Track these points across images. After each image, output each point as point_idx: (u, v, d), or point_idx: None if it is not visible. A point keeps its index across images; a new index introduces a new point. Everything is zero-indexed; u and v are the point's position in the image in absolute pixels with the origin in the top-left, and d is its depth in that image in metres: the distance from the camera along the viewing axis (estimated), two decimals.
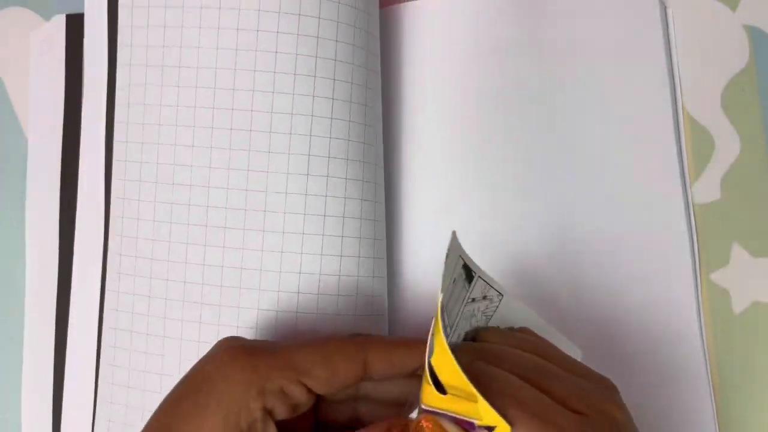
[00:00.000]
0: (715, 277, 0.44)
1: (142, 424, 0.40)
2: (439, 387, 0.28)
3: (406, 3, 0.47)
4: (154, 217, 0.41)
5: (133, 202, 0.41)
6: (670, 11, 0.46)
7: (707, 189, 0.45)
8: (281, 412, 0.31)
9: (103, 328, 0.42)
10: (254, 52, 0.40)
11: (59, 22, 0.45)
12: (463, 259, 0.32)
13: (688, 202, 0.44)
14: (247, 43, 0.40)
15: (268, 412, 0.31)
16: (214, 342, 0.39)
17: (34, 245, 0.45)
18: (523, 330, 0.36)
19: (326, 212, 0.40)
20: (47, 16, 0.46)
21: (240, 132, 0.40)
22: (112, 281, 0.42)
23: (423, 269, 0.44)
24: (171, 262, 0.40)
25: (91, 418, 0.42)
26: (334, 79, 0.40)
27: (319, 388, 0.31)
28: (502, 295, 0.35)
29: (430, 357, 0.28)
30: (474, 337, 0.34)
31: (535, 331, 0.35)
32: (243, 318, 0.40)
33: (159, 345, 0.41)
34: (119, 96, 0.42)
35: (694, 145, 0.45)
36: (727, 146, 0.45)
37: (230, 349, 0.31)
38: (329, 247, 0.40)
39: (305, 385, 0.31)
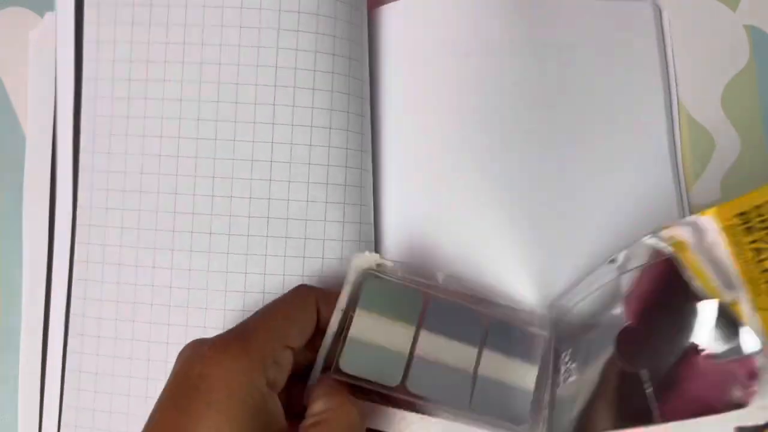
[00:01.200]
0: None
1: (109, 428, 0.41)
2: None
3: (392, 3, 0.47)
4: (122, 224, 0.42)
5: (100, 210, 0.42)
6: (665, 13, 0.46)
7: (707, 189, 0.44)
8: (281, 381, 0.34)
9: (68, 335, 0.43)
10: (218, 65, 0.42)
11: (52, 20, 0.45)
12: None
13: (687, 202, 0.44)
14: (211, 58, 0.42)
15: (271, 386, 0.33)
16: (182, 343, 0.40)
17: (30, 243, 0.45)
18: None
19: (288, 215, 0.41)
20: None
21: (206, 141, 0.41)
22: (78, 288, 0.43)
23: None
24: (139, 267, 0.42)
25: (57, 424, 0.43)
26: (314, 89, 0.41)
27: (297, 344, 0.35)
28: None
29: None
30: None
31: None
32: (210, 318, 0.41)
33: (127, 348, 0.41)
34: (85, 108, 0.43)
35: (694, 146, 0.45)
36: (728, 146, 0.45)
37: (214, 345, 0.32)
38: (291, 249, 0.41)
39: (289, 347, 0.34)
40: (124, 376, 0.41)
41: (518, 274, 0.42)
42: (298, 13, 0.41)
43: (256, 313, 0.35)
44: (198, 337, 0.40)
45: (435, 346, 0.36)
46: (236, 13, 0.41)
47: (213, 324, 0.41)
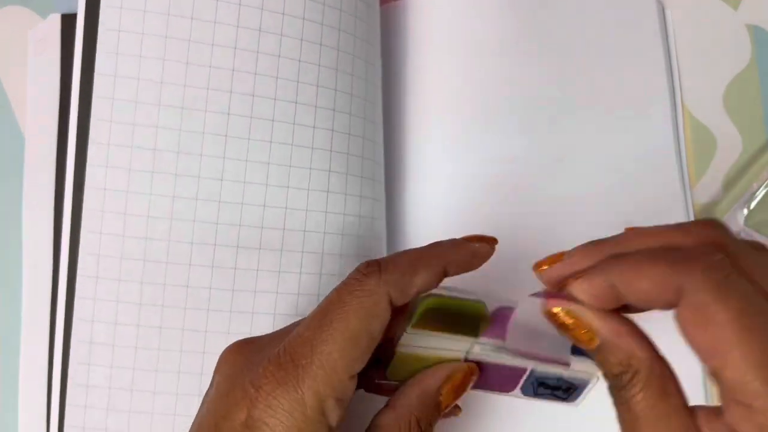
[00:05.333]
0: None
1: None
2: None
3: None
4: (148, 213, 0.35)
5: (118, 194, 0.35)
6: (668, 11, 0.46)
7: (709, 188, 0.45)
8: (343, 416, 0.28)
9: (71, 342, 0.36)
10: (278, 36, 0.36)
11: (54, 21, 0.44)
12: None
13: (688, 202, 0.45)
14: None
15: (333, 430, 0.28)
16: (221, 352, 0.34)
17: (30, 244, 0.43)
18: None
19: (345, 211, 0.37)
20: (46, 16, 0.46)
21: (260, 121, 0.36)
22: (84, 288, 0.36)
23: None
24: (170, 264, 0.35)
25: None
26: (337, 69, 0.38)
27: (364, 363, 0.28)
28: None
29: None
30: None
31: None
32: (256, 324, 0.36)
33: (152, 359, 0.35)
34: (99, 68, 0.35)
35: (696, 145, 0.45)
36: (729, 145, 0.45)
37: (262, 386, 0.27)
38: (348, 247, 0.38)
39: (354, 376, 0.28)
40: (148, 391, 0.35)
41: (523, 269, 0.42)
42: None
43: (306, 327, 0.28)
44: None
45: (491, 353, 0.32)
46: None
47: (259, 330, 0.35)
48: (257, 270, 0.36)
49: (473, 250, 0.31)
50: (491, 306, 0.31)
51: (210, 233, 0.35)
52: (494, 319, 0.31)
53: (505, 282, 0.40)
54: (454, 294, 0.30)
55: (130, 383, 0.35)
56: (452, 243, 0.31)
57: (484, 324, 0.31)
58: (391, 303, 0.28)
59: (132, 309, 0.35)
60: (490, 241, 0.32)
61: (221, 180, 0.35)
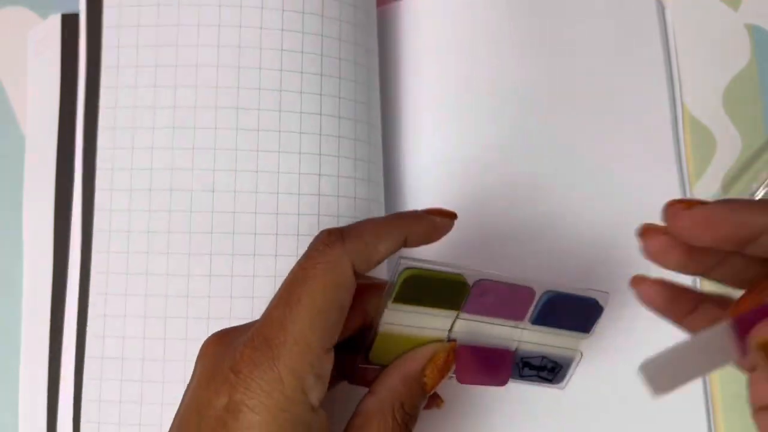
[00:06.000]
0: None
1: None
2: None
3: (401, 1, 0.47)
4: (148, 228, 0.37)
5: (122, 213, 0.37)
6: (668, 11, 0.46)
7: (709, 188, 0.44)
8: (324, 391, 0.28)
9: (84, 358, 0.37)
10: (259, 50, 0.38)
11: (55, 22, 0.45)
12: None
13: None
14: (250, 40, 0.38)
15: (315, 409, 0.28)
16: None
17: (31, 245, 0.44)
18: None
19: (339, 213, 0.38)
20: (46, 16, 0.47)
21: (246, 132, 0.37)
22: (96, 306, 0.37)
23: None
24: (171, 276, 0.37)
25: None
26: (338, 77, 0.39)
27: (337, 337, 0.29)
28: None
29: None
30: None
31: None
32: None
33: (158, 370, 0.36)
34: (104, 99, 0.38)
35: (695, 145, 0.45)
36: (729, 145, 0.44)
37: (241, 369, 0.27)
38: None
39: (329, 348, 0.28)
40: (156, 403, 0.36)
41: (522, 268, 0.43)
42: (302, 13, 0.39)
43: (275, 306, 0.28)
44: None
45: (473, 329, 0.32)
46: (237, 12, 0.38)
47: None
48: (253, 276, 0.37)
49: (434, 223, 0.32)
50: (470, 278, 0.31)
51: (206, 243, 0.37)
52: (474, 292, 0.31)
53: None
54: (433, 266, 0.30)
55: (139, 396, 0.36)
56: (414, 215, 0.32)
57: (465, 295, 0.31)
58: (355, 272, 0.29)
59: (138, 322, 0.37)
60: (450, 216, 0.32)
61: (213, 191, 0.37)
